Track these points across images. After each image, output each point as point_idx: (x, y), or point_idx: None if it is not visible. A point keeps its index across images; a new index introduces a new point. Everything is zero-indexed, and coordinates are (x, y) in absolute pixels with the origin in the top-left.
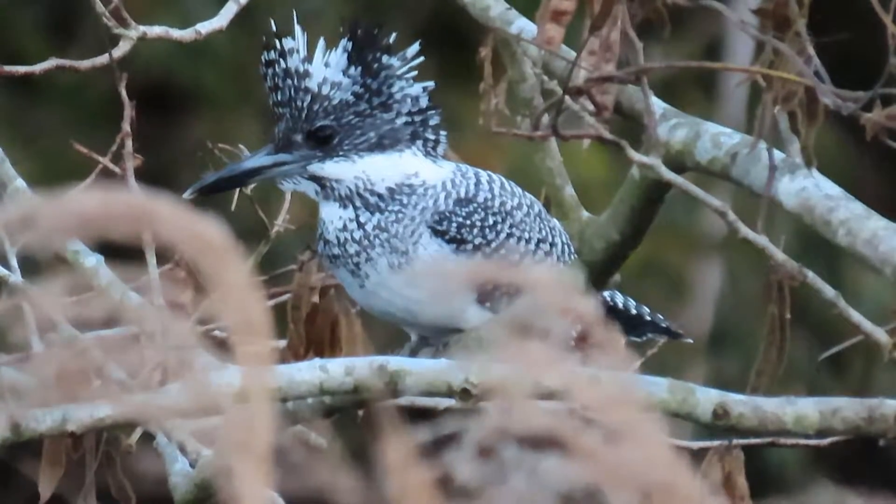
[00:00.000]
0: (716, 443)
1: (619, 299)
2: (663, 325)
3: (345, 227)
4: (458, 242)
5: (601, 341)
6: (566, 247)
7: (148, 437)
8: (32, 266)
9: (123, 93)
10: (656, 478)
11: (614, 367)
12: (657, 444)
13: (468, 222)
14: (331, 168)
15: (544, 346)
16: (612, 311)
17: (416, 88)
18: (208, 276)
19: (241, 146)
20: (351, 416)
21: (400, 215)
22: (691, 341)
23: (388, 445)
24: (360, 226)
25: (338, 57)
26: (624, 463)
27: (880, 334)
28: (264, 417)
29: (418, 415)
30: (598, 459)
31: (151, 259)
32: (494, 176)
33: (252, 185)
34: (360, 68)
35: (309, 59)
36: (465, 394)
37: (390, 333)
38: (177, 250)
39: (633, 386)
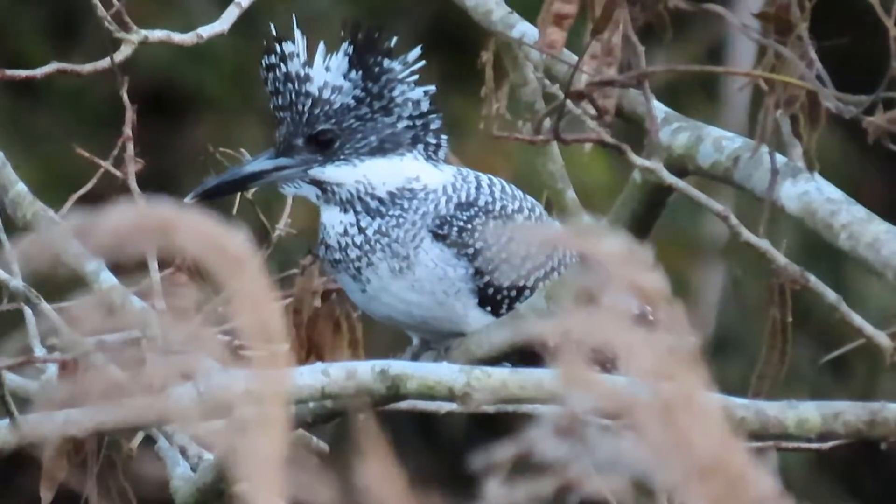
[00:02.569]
0: None
1: None
2: None
3: (346, 232)
4: (458, 246)
5: (666, 317)
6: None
7: (149, 441)
8: (34, 271)
9: (125, 97)
10: (714, 457)
11: (678, 343)
12: (715, 420)
13: (469, 226)
14: (332, 172)
15: (608, 316)
16: None
17: (418, 92)
18: (224, 281)
19: (243, 150)
20: (352, 421)
21: (401, 220)
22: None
23: (368, 451)
24: (362, 230)
25: (339, 61)
26: (682, 441)
27: (882, 338)
28: (275, 422)
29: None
30: (656, 437)
31: (153, 263)
32: (495, 179)
33: (253, 190)
34: (361, 72)
35: (310, 63)
36: (466, 397)
37: (392, 337)
38: (181, 255)
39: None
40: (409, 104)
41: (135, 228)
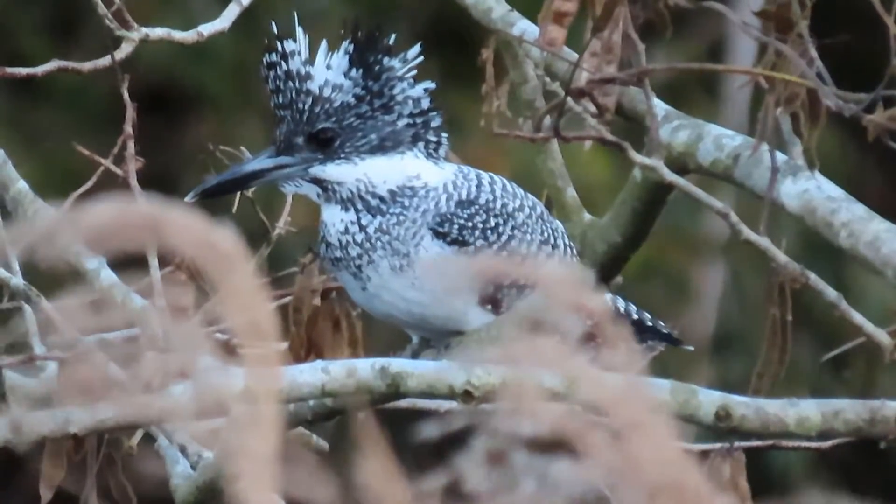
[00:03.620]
0: (718, 445)
1: (621, 304)
2: (664, 332)
3: (346, 230)
4: (459, 244)
5: (611, 338)
6: (568, 248)
7: (149, 439)
8: (34, 269)
9: (126, 95)
10: (665, 476)
11: (624, 364)
12: (665, 441)
13: (470, 224)
14: (332, 170)
15: (553, 342)
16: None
17: (418, 90)
18: (216, 280)
19: (243, 149)
20: (352, 419)
21: (401, 217)
22: (692, 349)
23: (367, 452)
24: (362, 228)
25: (339, 59)
26: (632, 461)
27: (882, 336)
28: (270, 420)
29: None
30: (607, 458)
31: (153, 262)
32: (496, 177)
33: (253, 188)
34: (361, 70)
35: (311, 61)
36: (466, 395)
37: (392, 335)
38: (179, 253)
39: (641, 383)
40: (410, 102)
41: (122, 223)
